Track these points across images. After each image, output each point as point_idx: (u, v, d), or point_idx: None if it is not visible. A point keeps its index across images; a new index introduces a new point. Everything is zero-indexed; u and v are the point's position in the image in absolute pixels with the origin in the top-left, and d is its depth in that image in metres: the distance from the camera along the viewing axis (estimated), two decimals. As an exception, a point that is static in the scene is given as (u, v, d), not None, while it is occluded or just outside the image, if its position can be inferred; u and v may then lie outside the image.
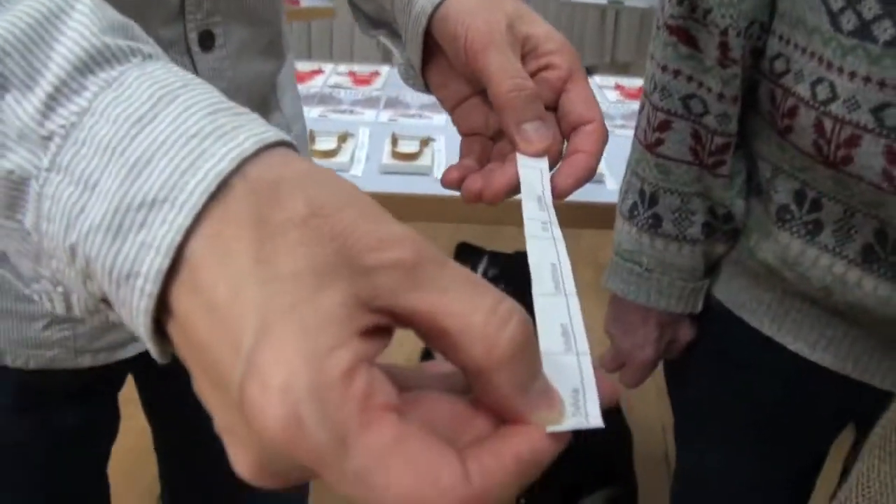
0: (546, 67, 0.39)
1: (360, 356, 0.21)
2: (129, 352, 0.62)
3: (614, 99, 1.66)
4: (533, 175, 0.36)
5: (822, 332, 0.68)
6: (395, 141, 1.23)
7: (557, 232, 0.32)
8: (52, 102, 0.24)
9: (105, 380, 0.67)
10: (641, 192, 0.73)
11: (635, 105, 1.63)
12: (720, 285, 0.75)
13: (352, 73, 1.73)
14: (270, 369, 0.21)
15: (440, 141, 1.27)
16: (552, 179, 0.37)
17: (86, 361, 0.60)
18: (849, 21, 0.56)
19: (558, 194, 0.37)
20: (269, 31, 0.59)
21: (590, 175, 0.38)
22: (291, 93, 0.73)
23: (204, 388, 0.23)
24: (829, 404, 0.73)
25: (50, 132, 0.24)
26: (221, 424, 0.23)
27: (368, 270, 0.22)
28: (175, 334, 0.23)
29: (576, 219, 1.10)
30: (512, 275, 1.18)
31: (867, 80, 0.56)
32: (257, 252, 0.22)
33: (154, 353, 0.24)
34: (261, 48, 0.59)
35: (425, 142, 1.24)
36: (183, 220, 0.22)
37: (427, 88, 0.44)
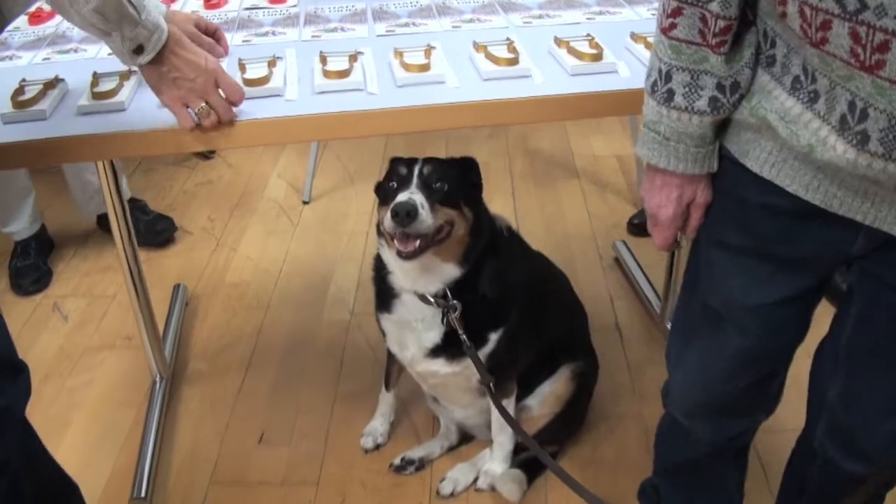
0: None
1: None
2: None
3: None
4: None
5: (815, 176, 0.82)
6: (323, 59, 1.24)
7: None
8: None
9: None
10: (659, 70, 0.86)
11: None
12: (730, 137, 0.90)
13: (266, -9, 1.63)
14: None
15: (368, 54, 1.28)
16: None
17: None
18: None
19: None
20: None
21: None
22: None
23: None
24: (819, 239, 0.88)
25: None
26: None
27: None
28: None
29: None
30: (444, 174, 1.22)
31: None
32: None
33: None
34: None
35: (354, 57, 1.25)
36: None
37: None
